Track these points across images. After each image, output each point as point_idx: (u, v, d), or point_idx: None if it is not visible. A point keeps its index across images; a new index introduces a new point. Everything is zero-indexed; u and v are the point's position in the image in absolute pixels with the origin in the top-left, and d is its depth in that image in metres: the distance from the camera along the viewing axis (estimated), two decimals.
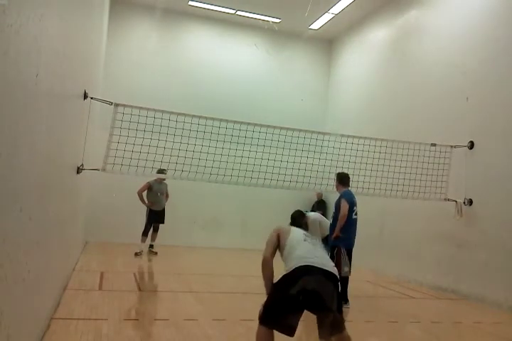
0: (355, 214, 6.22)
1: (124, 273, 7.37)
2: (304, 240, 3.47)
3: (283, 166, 7.42)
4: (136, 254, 8.99)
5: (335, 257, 5.91)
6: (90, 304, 5.01)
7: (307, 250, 3.35)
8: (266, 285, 3.42)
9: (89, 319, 4.41)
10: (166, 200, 9.72)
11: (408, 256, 8.58)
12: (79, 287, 5.79)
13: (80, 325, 4.16)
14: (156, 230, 9.50)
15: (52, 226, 3.79)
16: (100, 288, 5.98)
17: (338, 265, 5.90)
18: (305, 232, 3.63)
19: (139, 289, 6.24)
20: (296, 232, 3.58)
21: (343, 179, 6.38)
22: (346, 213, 6.05)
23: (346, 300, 5.90)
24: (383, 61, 10.69)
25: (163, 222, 9.53)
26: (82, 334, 3.91)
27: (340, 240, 6.03)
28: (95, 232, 10.34)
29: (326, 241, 6.72)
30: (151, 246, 9.50)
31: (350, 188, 6.40)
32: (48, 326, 3.93)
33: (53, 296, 4.44)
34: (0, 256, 2.00)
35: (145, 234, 9.30)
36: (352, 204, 6.16)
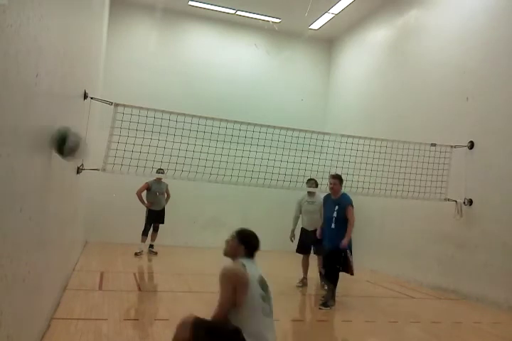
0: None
1: (124, 273, 7.37)
2: (264, 301, 2.70)
3: (283, 166, 7.42)
4: (136, 254, 9.00)
5: (342, 260, 5.95)
6: (90, 304, 5.01)
7: (266, 324, 2.66)
8: None
9: (89, 319, 4.41)
10: (167, 200, 9.72)
11: (408, 256, 8.58)
12: (79, 287, 5.79)
13: (79, 325, 4.16)
14: (156, 230, 9.50)
15: (52, 226, 3.80)
16: (100, 288, 5.98)
17: (349, 267, 5.97)
18: (260, 283, 2.75)
19: (139, 289, 6.24)
20: (254, 286, 2.70)
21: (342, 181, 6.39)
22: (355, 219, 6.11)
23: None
24: (383, 61, 10.69)
25: (162, 222, 9.53)
26: (82, 334, 3.91)
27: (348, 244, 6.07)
28: (95, 232, 10.35)
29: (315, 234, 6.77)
30: (151, 246, 9.50)
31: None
32: (48, 326, 3.93)
33: (53, 296, 4.44)
34: (0, 256, 2.00)
35: (145, 233, 9.30)
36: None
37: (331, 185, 6.31)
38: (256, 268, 2.78)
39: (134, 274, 7.31)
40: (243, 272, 2.67)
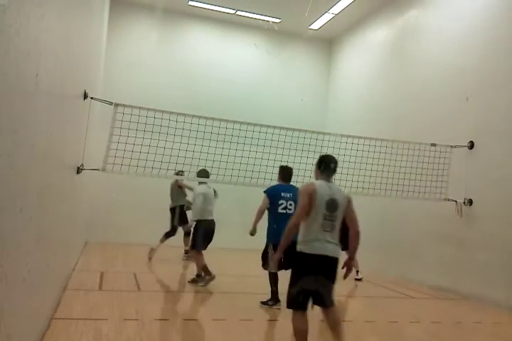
0: (284, 209, 5.90)
1: (124, 273, 7.37)
2: (324, 220, 3.26)
3: None
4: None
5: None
6: (90, 304, 5.01)
7: (320, 236, 3.20)
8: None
9: (89, 319, 4.41)
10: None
11: (408, 256, 8.58)
12: (79, 287, 5.78)
13: (79, 325, 4.16)
14: (186, 234, 8.78)
15: (52, 226, 3.79)
16: (100, 288, 5.98)
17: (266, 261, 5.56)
18: (329, 193, 3.34)
19: (139, 289, 6.24)
20: (320, 204, 3.29)
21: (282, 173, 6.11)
22: (263, 208, 5.95)
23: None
24: (383, 61, 10.69)
25: (173, 224, 8.88)
26: (82, 334, 3.91)
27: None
28: (95, 232, 10.33)
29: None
30: (186, 252, 8.90)
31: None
32: (48, 326, 3.93)
33: (53, 296, 4.44)
34: (0, 256, 2.00)
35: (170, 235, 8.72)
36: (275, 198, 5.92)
37: None
38: (330, 190, 3.31)
39: (134, 274, 7.31)
40: (314, 187, 3.30)
